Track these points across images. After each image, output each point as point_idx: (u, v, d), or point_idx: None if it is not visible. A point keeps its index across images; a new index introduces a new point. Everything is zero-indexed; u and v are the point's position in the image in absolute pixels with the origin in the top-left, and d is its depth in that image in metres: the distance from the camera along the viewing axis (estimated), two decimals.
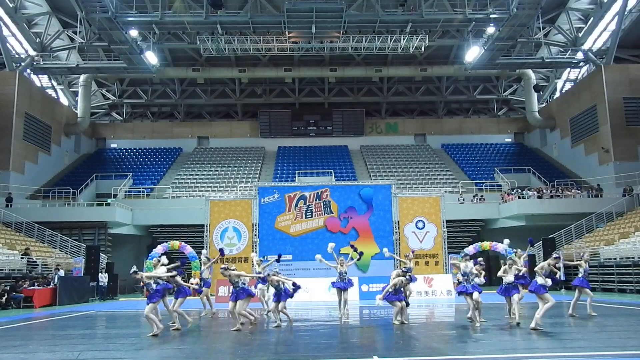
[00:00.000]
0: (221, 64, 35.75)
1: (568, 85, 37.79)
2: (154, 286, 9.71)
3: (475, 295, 10.30)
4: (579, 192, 28.42)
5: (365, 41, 29.41)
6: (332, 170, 33.70)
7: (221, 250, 13.91)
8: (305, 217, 22.67)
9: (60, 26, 32.07)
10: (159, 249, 25.19)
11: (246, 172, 35.14)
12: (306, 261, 21.06)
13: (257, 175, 34.76)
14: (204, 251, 18.65)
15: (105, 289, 22.53)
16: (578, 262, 12.18)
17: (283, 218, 22.68)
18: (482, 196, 30.12)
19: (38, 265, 21.39)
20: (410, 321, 11.29)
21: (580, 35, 31.99)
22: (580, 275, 12.00)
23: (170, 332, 10.11)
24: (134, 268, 9.86)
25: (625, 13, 29.05)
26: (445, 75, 38.00)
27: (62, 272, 20.25)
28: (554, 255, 10.23)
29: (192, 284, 24.59)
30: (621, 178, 28.41)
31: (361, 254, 12.84)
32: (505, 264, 11.27)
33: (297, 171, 33.82)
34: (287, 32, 28.78)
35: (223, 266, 10.35)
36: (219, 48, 29.66)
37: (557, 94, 38.63)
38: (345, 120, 40.21)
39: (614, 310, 13.02)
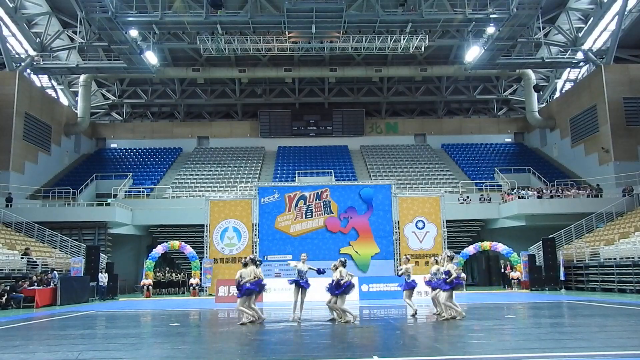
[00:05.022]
0: (221, 64, 35.76)
1: (568, 85, 37.80)
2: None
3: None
4: (582, 191, 28.33)
5: (365, 41, 29.42)
6: (332, 170, 33.71)
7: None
8: (305, 217, 22.69)
9: (60, 26, 32.08)
10: (159, 249, 25.27)
11: (246, 172, 35.15)
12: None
13: (257, 175, 34.77)
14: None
15: (105, 289, 22.51)
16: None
17: (283, 218, 22.69)
18: (488, 196, 30.01)
19: (38, 265, 21.38)
20: (411, 321, 11.29)
21: (580, 35, 32.00)
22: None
23: (173, 329, 10.13)
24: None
25: (625, 13, 29.07)
26: (445, 75, 38.01)
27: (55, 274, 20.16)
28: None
29: (191, 284, 24.79)
30: (621, 178, 28.41)
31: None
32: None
33: (297, 171, 33.84)
34: (287, 32, 28.79)
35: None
36: (219, 48, 29.66)
37: (557, 94, 38.64)
38: (345, 120, 40.22)
39: (614, 310, 13.01)
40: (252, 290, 11.04)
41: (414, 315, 11.79)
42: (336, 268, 11.45)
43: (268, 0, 29.62)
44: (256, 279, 11.16)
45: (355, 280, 16.73)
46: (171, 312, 15.28)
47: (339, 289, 11.10)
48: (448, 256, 11.50)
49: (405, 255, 14.01)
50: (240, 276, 11.00)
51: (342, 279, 11.07)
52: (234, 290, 17.50)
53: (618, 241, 21.75)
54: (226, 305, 15.89)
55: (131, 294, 26.94)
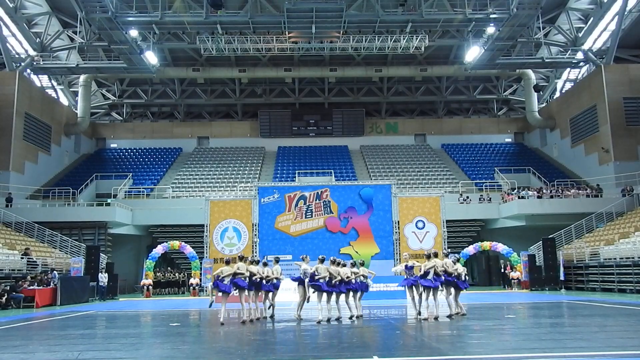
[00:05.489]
0: (221, 64, 35.75)
1: (568, 85, 37.79)
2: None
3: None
4: (582, 191, 28.30)
5: (365, 41, 29.41)
6: (332, 170, 33.70)
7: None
8: (305, 217, 22.67)
9: (60, 26, 32.08)
10: (159, 249, 25.27)
11: (246, 172, 35.15)
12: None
13: (257, 175, 34.77)
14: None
15: (105, 289, 22.52)
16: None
17: (283, 218, 22.67)
18: (488, 196, 29.97)
19: (38, 265, 21.39)
20: (410, 321, 11.28)
21: (580, 35, 31.99)
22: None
23: (173, 329, 10.14)
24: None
25: (625, 13, 29.06)
26: (445, 75, 38.00)
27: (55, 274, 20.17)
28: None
29: (191, 284, 24.78)
30: (621, 178, 28.41)
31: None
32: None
33: (297, 171, 33.83)
34: (287, 32, 28.78)
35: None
36: (219, 48, 29.66)
37: (557, 94, 38.63)
38: (345, 120, 40.22)
39: (614, 310, 13.02)
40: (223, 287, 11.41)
41: (419, 316, 11.63)
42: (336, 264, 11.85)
43: (268, 0, 29.62)
44: (241, 277, 11.44)
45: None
46: (171, 312, 15.29)
47: (311, 281, 11.59)
48: (425, 255, 11.89)
49: (404, 254, 14.06)
50: (221, 272, 11.52)
51: (315, 275, 11.48)
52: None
53: (618, 241, 21.76)
54: (226, 305, 15.85)
55: (131, 294, 26.94)
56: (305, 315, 12.13)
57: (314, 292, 11.87)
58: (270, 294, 12.33)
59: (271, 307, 12.42)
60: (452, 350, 7.44)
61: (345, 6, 26.53)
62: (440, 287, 11.73)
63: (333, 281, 11.51)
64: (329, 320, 11.26)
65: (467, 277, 12.24)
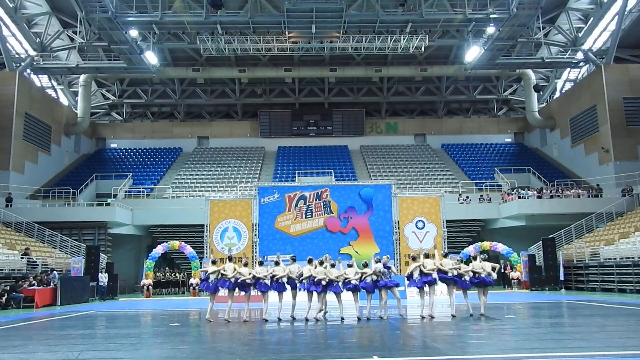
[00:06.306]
0: (221, 64, 35.75)
1: (568, 85, 37.79)
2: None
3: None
4: (582, 191, 28.27)
5: (365, 41, 29.40)
6: (332, 170, 33.70)
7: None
8: (305, 217, 22.67)
9: (60, 26, 32.07)
10: (159, 249, 25.27)
11: (246, 172, 35.15)
12: (306, 261, 21.01)
13: (257, 175, 34.77)
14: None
15: (105, 289, 22.53)
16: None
17: (283, 218, 22.67)
18: (488, 196, 29.93)
19: (38, 265, 21.38)
20: (411, 321, 11.29)
21: (580, 35, 31.98)
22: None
23: (173, 329, 10.13)
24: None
25: (625, 13, 29.05)
26: (445, 75, 37.99)
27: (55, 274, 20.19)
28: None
29: (191, 284, 24.77)
30: (621, 178, 28.41)
31: None
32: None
33: (297, 171, 33.82)
34: (287, 32, 28.77)
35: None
36: (219, 48, 29.66)
37: (557, 94, 38.63)
38: (345, 120, 40.22)
39: (614, 310, 13.02)
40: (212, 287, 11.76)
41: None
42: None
43: (268, 0, 29.60)
44: (224, 277, 11.58)
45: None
46: (171, 312, 15.29)
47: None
48: (411, 257, 12.35)
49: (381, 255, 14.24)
50: (206, 270, 11.89)
51: (300, 277, 12.08)
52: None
53: (618, 241, 21.76)
54: (226, 306, 15.88)
55: (131, 294, 26.94)
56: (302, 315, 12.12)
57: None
58: (284, 294, 12.08)
59: (290, 307, 12.24)
60: (452, 350, 7.44)
61: (345, 6, 26.52)
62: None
63: (316, 279, 11.71)
64: (317, 320, 11.49)
65: (477, 275, 12.23)
